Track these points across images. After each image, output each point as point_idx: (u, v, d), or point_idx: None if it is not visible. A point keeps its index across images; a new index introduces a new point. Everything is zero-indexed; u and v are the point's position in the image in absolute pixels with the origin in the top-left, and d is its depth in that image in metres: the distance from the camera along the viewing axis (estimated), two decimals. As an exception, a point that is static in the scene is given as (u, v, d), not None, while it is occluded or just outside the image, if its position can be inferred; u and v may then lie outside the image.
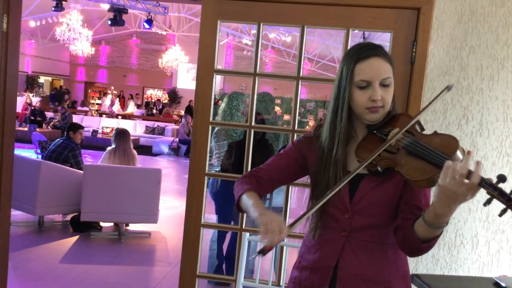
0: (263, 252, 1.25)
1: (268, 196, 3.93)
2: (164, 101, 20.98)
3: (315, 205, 1.36)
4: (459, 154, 1.24)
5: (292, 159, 1.55)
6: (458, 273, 2.35)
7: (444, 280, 1.94)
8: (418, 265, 2.36)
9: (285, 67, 20.77)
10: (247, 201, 1.42)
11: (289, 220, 2.55)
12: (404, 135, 1.33)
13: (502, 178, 1.10)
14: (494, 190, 1.11)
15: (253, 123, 2.49)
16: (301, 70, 2.43)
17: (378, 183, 1.39)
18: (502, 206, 1.11)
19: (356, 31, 2.47)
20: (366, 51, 1.38)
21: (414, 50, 2.26)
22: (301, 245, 1.59)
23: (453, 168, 1.14)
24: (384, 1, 2.26)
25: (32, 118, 14.53)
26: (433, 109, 2.31)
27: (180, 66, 20.85)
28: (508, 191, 1.10)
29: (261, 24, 2.41)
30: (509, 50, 2.27)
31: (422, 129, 1.40)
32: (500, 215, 1.12)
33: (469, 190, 1.13)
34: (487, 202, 1.12)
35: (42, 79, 21.89)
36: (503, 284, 1.84)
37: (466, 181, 1.12)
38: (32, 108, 15.00)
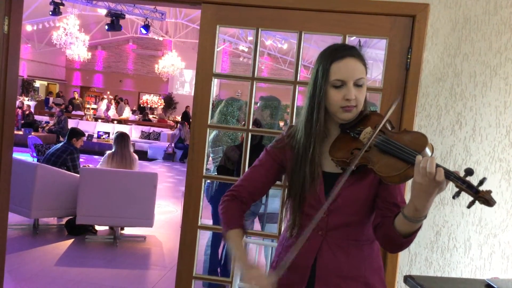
0: None
1: (263, 201, 3.95)
2: (160, 106, 20.96)
3: (300, 241, 1.35)
4: (427, 150, 1.28)
5: (269, 167, 1.57)
6: (451, 276, 2.38)
7: (438, 281, 1.97)
8: (411, 268, 2.40)
9: (281, 74, 20.86)
10: (232, 244, 1.47)
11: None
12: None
13: (469, 172, 1.15)
14: (462, 183, 1.15)
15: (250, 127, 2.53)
16: (299, 75, 2.47)
17: (352, 182, 1.42)
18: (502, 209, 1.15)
19: (353, 38, 2.52)
20: (341, 51, 1.42)
21: (409, 56, 2.31)
22: (278, 244, 1.63)
23: (423, 166, 1.20)
24: (380, 9, 2.31)
25: (23, 122, 14.42)
26: (427, 114, 2.36)
27: (176, 72, 20.89)
28: (475, 184, 1.14)
29: (259, 30, 2.45)
30: (501, 57, 2.32)
31: (393, 127, 1.44)
32: (469, 206, 1.17)
33: (440, 184, 1.20)
34: (456, 195, 1.18)
35: (37, 83, 21.85)
36: (495, 286, 1.88)
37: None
38: (26, 114, 14.90)
